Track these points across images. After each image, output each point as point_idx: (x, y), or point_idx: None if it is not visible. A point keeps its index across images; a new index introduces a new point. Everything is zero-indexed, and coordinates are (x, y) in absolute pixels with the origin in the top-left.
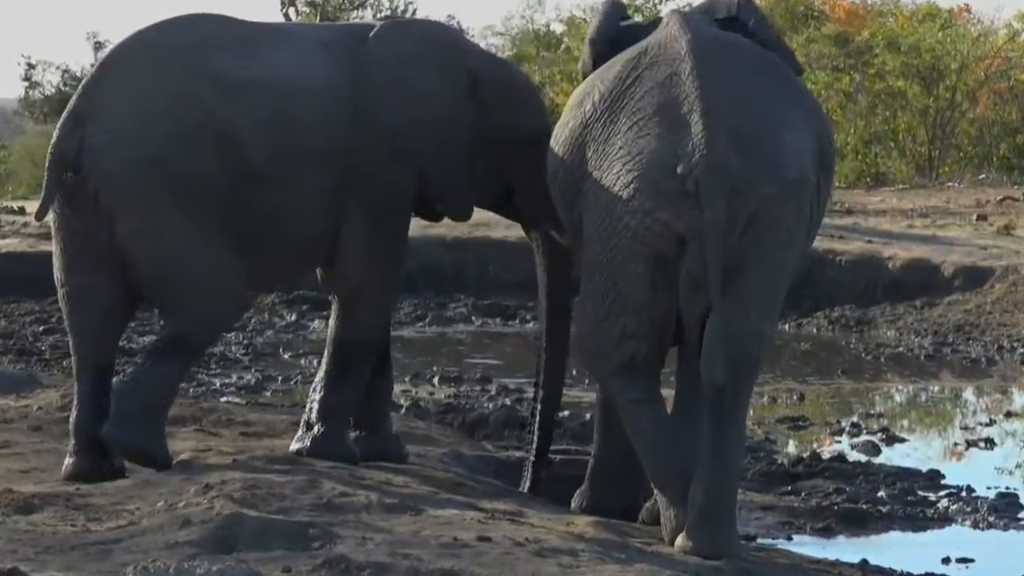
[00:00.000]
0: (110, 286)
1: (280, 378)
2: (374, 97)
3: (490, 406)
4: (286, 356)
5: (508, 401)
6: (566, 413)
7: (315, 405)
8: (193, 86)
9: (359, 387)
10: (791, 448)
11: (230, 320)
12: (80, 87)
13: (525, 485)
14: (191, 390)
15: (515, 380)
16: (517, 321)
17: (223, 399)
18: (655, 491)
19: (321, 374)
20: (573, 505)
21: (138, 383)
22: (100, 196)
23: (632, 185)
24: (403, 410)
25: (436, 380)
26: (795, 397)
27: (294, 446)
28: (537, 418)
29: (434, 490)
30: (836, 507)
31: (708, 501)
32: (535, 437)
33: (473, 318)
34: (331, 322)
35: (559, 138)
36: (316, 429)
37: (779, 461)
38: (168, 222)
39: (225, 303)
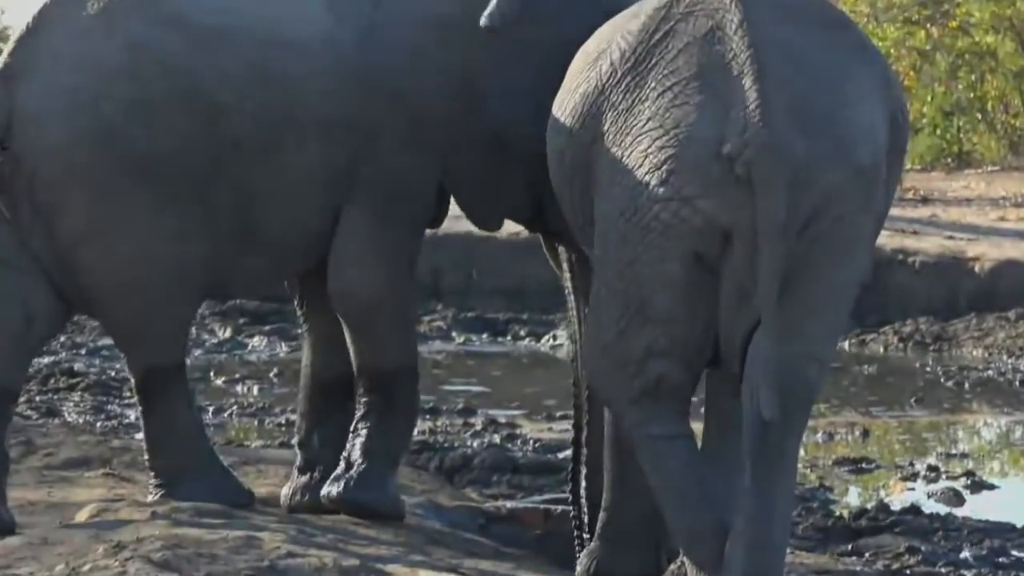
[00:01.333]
0: (37, 291)
1: (211, 409)
2: (388, 62)
3: (475, 444)
4: (219, 382)
5: (497, 438)
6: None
7: (357, 443)
8: (157, 34)
9: (411, 422)
10: (852, 497)
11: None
12: (12, 40)
13: (584, 562)
14: (98, 424)
15: (506, 412)
16: (508, 338)
17: (139, 435)
18: (682, 552)
19: (361, 411)
20: (579, 569)
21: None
22: (36, 181)
23: (664, 167)
24: None
25: None
26: (857, 433)
27: (325, 489)
28: (582, 465)
29: (404, 550)
30: (909, 571)
31: (750, 565)
32: (580, 488)
33: (453, 334)
34: (320, 352)
35: (565, 106)
36: (358, 467)
37: (837, 513)
38: (125, 215)
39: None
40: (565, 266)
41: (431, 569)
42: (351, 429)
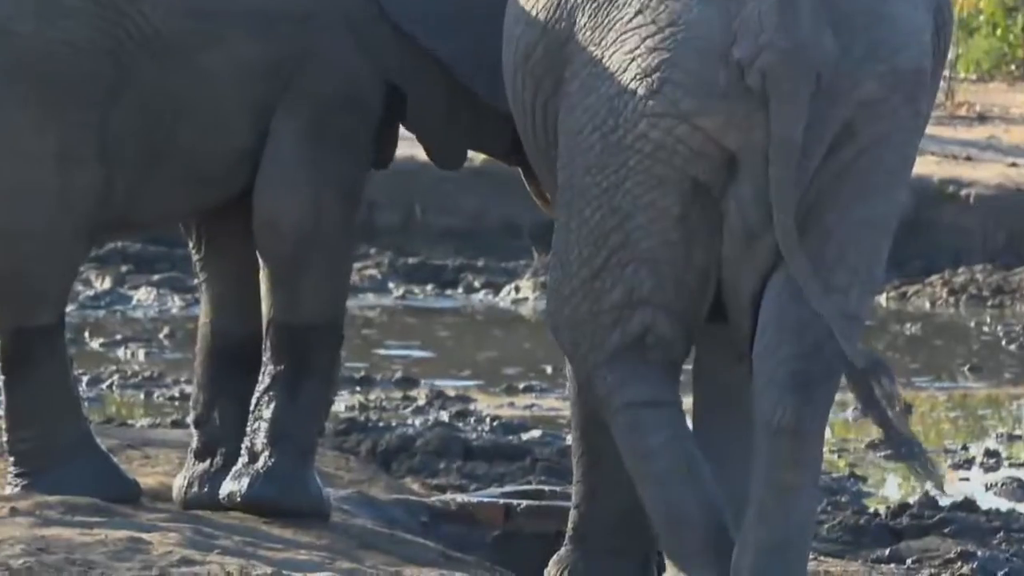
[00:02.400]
0: None
1: (86, 378)
2: None
3: (417, 423)
4: (95, 344)
5: (445, 416)
6: (535, 434)
7: (261, 427)
8: None
9: (329, 396)
10: (890, 489)
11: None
12: None
13: None
14: None
15: (456, 382)
16: (459, 290)
17: None
18: (666, 555)
19: (265, 382)
20: None
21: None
22: None
23: (656, 74)
24: None
25: None
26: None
27: (224, 488)
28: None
29: (328, 555)
30: None
31: (763, 573)
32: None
33: (390, 285)
34: (229, 302)
35: None
36: (265, 460)
37: (872, 509)
38: (6, 126)
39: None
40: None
41: None
42: (252, 407)
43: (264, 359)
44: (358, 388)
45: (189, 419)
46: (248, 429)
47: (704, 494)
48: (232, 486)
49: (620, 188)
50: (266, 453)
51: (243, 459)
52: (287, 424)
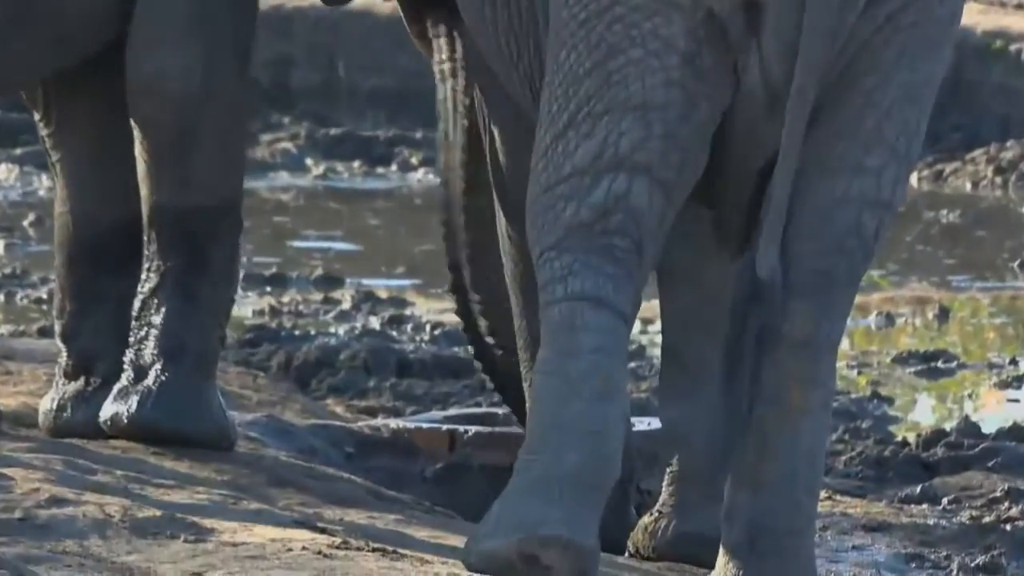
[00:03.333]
0: None
1: None
2: None
3: (340, 332)
4: None
5: (375, 322)
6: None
7: (149, 336)
8: None
9: (229, 296)
10: (921, 413)
11: None
12: None
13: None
14: None
15: (388, 281)
16: (393, 167)
17: None
18: (521, 476)
19: (150, 280)
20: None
21: None
22: None
23: None
24: None
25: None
26: (930, 315)
27: (106, 410)
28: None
29: (231, 493)
30: (1010, 524)
31: (765, 513)
32: None
33: (308, 161)
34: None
35: None
36: (156, 376)
37: (899, 438)
38: None
39: None
40: (443, 44)
41: (273, 524)
42: (136, 312)
43: (146, 252)
44: (268, 289)
45: (57, 330)
46: (132, 339)
47: (610, 423)
48: (115, 408)
49: (607, 14)
50: (157, 367)
51: (127, 375)
52: (181, 331)
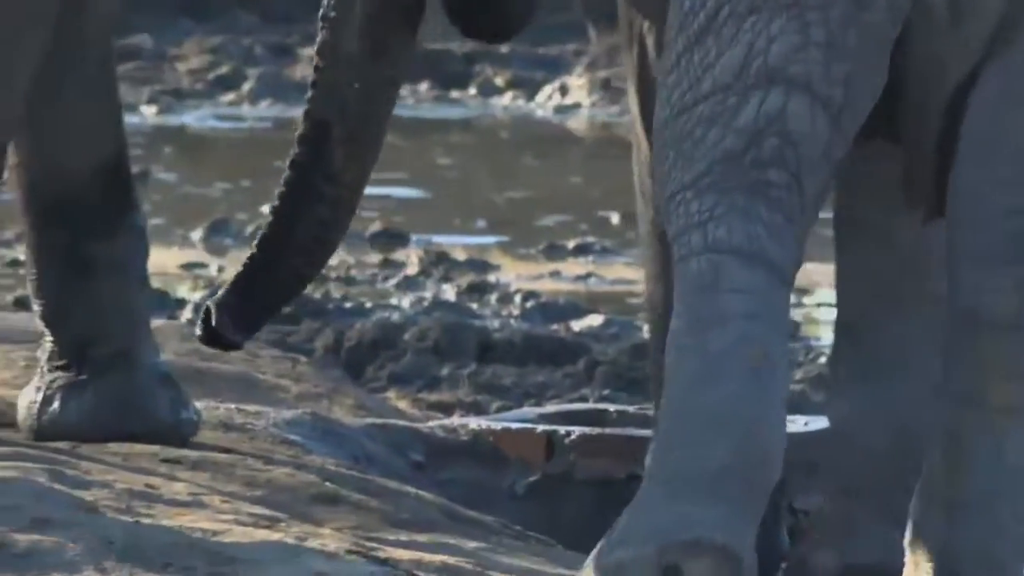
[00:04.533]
0: None
1: None
2: None
3: (405, 304)
4: None
5: (450, 292)
6: (593, 321)
7: (111, 301)
8: None
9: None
10: None
11: None
12: None
13: None
14: None
15: (468, 238)
16: (472, 91)
17: None
18: (654, 471)
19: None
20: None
21: None
22: None
23: None
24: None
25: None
26: None
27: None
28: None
29: (266, 514)
30: None
31: (967, 538)
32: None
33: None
34: None
35: None
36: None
37: None
38: None
39: None
40: None
41: (318, 554)
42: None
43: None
44: None
45: (36, 311)
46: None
47: (768, 408)
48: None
49: None
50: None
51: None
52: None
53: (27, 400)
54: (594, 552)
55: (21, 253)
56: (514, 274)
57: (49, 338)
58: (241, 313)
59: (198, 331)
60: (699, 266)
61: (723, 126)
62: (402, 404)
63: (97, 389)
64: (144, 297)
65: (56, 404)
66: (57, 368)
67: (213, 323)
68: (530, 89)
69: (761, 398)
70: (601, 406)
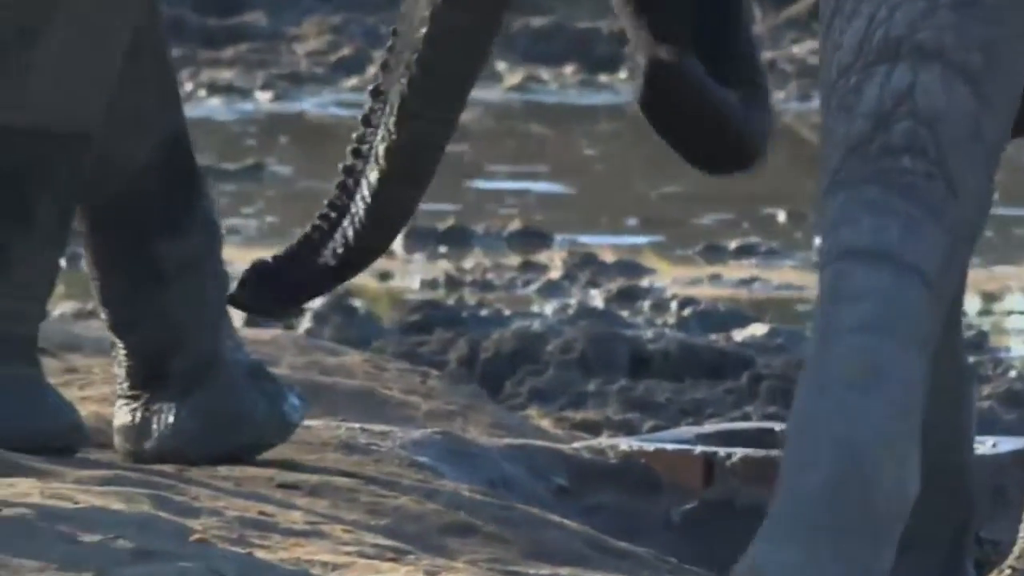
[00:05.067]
0: None
1: None
2: None
3: (548, 311)
4: None
5: (597, 298)
6: (757, 330)
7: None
8: None
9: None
10: None
11: None
12: None
13: None
14: None
15: (617, 238)
16: (620, 74)
17: None
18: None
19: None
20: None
21: None
22: None
23: None
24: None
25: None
26: None
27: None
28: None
29: (393, 544)
30: None
31: None
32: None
33: (500, 66)
34: None
35: None
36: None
37: None
38: None
39: None
40: None
41: None
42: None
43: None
44: (443, 249)
45: (104, 320)
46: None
47: (869, 425)
48: (168, 433)
49: None
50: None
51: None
52: (212, 303)
53: (121, 423)
54: None
55: None
56: (669, 278)
57: (123, 350)
58: (288, 281)
59: (233, 296)
60: (825, 277)
61: (848, 113)
62: (544, 423)
63: (190, 407)
64: (222, 295)
65: (154, 426)
66: (140, 384)
67: (248, 287)
68: None
69: (858, 414)
70: (766, 425)
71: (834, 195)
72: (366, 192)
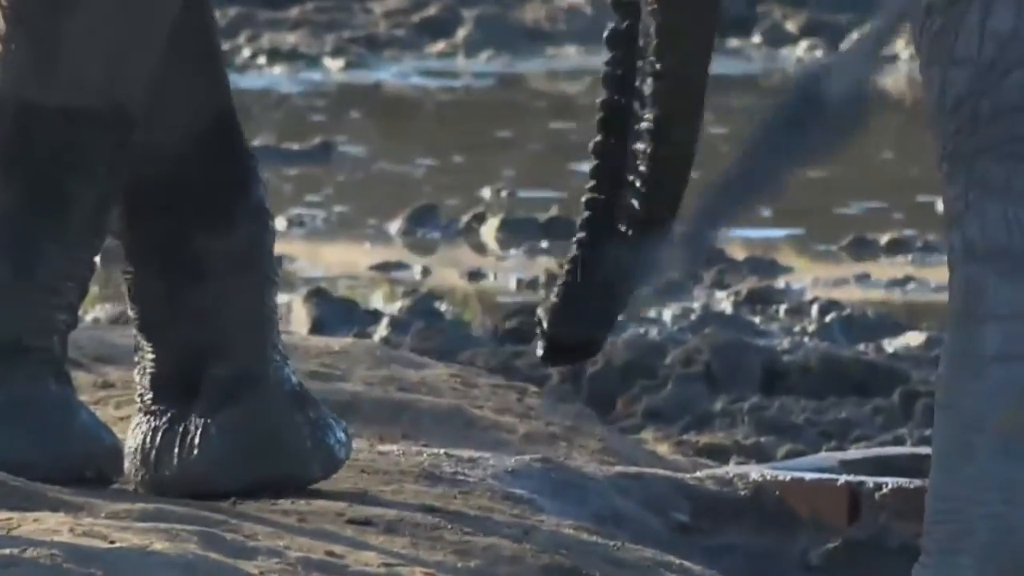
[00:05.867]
0: None
1: None
2: None
3: (667, 318)
4: None
5: (727, 302)
6: (911, 340)
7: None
8: None
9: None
10: None
11: None
12: None
13: None
14: None
15: (749, 231)
16: (755, 38)
17: None
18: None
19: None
20: None
21: None
22: None
23: None
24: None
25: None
26: None
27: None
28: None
29: None
30: None
31: None
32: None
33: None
34: None
35: None
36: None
37: None
38: None
39: None
40: None
41: None
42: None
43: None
44: (543, 244)
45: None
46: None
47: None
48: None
49: None
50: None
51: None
52: (259, 309)
53: (135, 444)
54: None
55: None
56: (810, 278)
57: (151, 356)
58: (584, 308)
59: (538, 349)
60: (957, 284)
61: (945, 64)
62: (662, 448)
63: (221, 424)
64: (272, 299)
65: (176, 449)
66: (167, 397)
67: (548, 331)
68: (831, 36)
69: (1013, 473)
70: (921, 450)
71: (950, 175)
72: (641, 146)
